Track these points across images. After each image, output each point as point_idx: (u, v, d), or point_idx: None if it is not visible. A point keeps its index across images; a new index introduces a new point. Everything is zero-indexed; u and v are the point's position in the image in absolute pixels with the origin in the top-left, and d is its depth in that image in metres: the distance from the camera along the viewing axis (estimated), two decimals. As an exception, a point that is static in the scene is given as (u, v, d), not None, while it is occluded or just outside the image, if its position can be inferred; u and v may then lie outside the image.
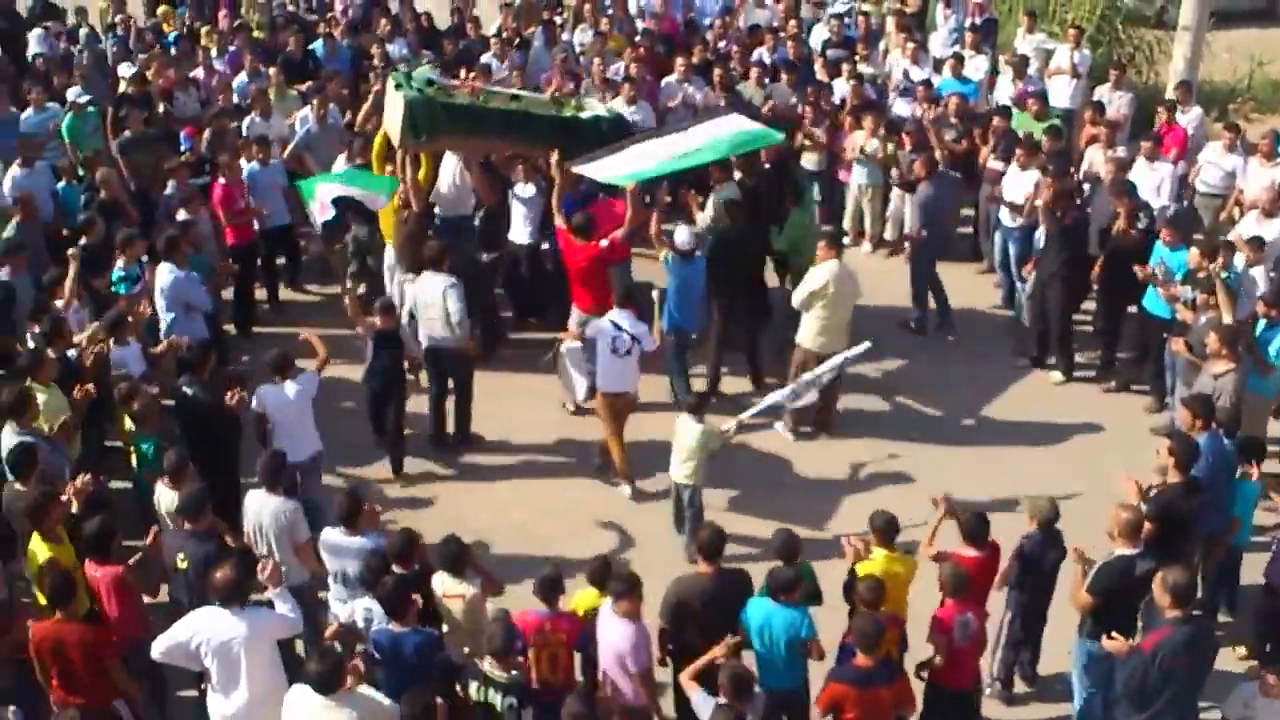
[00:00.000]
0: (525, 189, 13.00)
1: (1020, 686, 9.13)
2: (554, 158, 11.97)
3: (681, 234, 11.65)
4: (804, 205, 13.26)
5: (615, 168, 11.78)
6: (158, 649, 7.53)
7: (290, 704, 7.14)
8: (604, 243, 11.56)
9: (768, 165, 13.91)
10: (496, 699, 7.38)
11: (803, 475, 11.32)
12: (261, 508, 8.67)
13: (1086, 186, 13.85)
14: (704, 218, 12.68)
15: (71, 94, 14.73)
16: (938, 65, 16.85)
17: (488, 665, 7.42)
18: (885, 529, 8.35)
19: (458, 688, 7.74)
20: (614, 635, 7.64)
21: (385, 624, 7.65)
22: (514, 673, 7.42)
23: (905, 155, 14.47)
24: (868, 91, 15.64)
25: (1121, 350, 12.80)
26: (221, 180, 13.10)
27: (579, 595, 8.23)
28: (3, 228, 12.25)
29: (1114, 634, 7.75)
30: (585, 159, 11.90)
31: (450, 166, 12.91)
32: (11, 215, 12.41)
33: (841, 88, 15.79)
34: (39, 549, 8.22)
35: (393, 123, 12.10)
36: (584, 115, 12.62)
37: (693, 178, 13.27)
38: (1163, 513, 8.64)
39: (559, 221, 11.80)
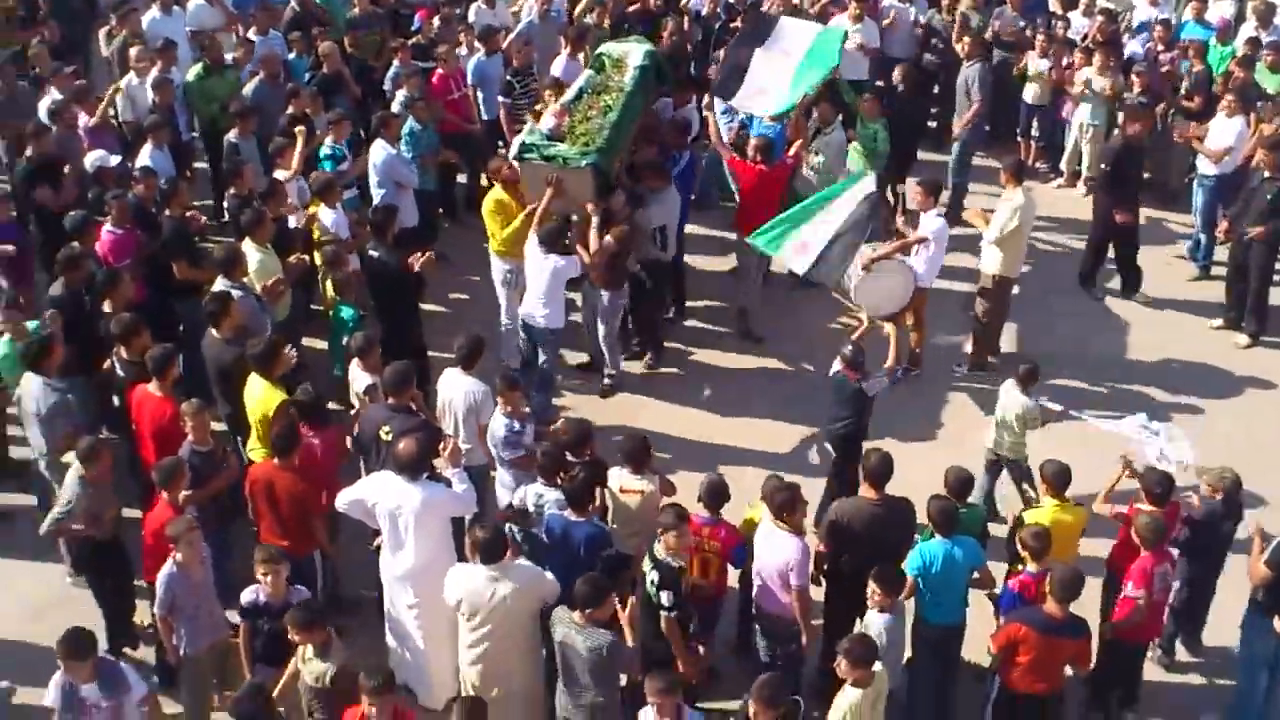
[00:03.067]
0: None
1: (1183, 655, 8.93)
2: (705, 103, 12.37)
3: None
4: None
5: (767, 98, 11.87)
6: (341, 501, 7.98)
7: (456, 577, 7.45)
8: (789, 160, 11.82)
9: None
10: (654, 575, 7.50)
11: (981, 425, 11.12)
12: (454, 385, 8.98)
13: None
14: (817, 160, 12.51)
15: None
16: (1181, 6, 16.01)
17: (659, 546, 7.53)
18: (1055, 478, 8.20)
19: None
20: (779, 550, 7.68)
21: (558, 510, 7.89)
22: (670, 557, 7.48)
23: (1133, 96, 13.89)
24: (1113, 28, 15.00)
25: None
26: (439, 70, 13.28)
27: (751, 510, 8.30)
28: (239, 89, 12.82)
29: (1287, 614, 7.51)
30: (724, 91, 12.05)
31: None
32: (252, 78, 12.98)
33: (1077, 20, 15.19)
34: (263, 392, 8.71)
35: (573, 194, 10.92)
36: (639, 63, 11.94)
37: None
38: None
39: (726, 153, 11.96)
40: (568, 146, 10.98)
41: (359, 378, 9.22)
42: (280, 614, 7.26)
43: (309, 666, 7.15)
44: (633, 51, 12.16)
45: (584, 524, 7.74)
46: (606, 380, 11.45)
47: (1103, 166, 12.82)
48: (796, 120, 12.08)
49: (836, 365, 9.58)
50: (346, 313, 10.05)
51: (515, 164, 11.10)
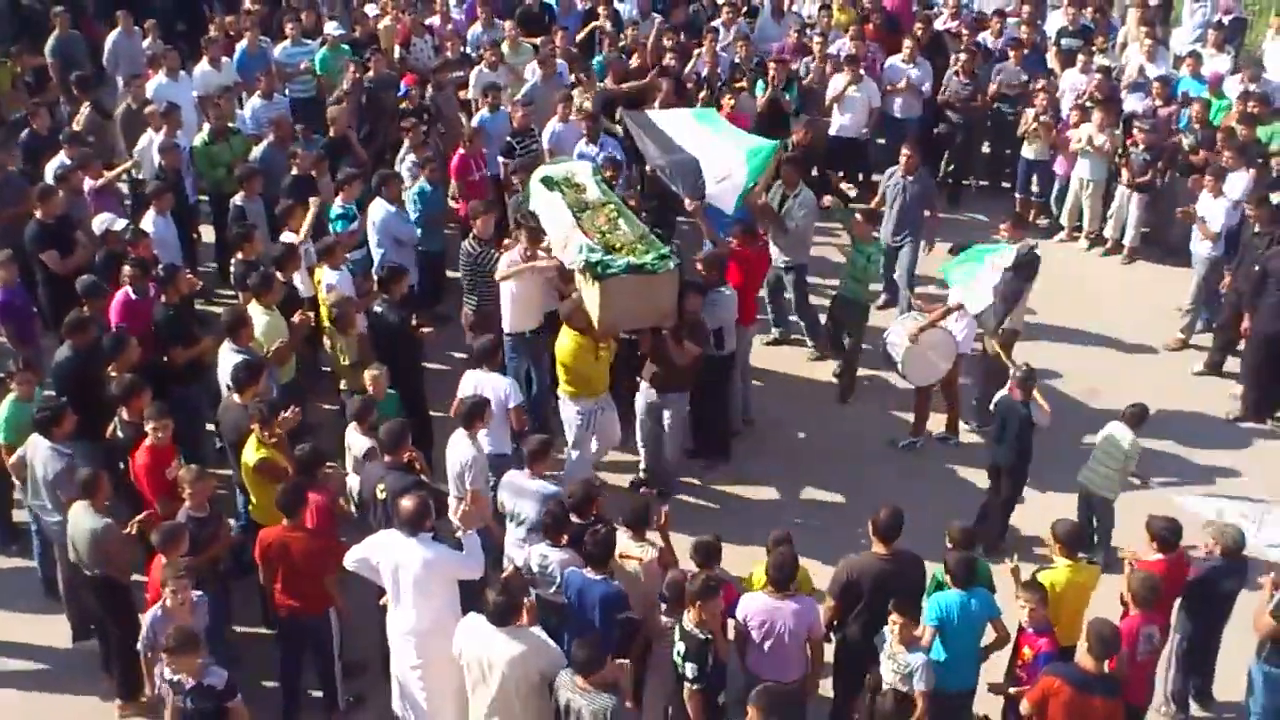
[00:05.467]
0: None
1: (1194, 709, 8.83)
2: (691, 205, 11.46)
3: None
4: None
5: (723, 185, 11.39)
6: (349, 560, 7.98)
7: (464, 630, 7.41)
8: (762, 239, 11.60)
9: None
10: (680, 646, 7.49)
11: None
12: (455, 447, 9.00)
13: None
14: (791, 224, 12.07)
15: (329, 28, 15.39)
16: (1177, 63, 16.18)
17: (688, 617, 7.48)
18: (1068, 538, 8.16)
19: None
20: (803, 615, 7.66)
21: (562, 571, 7.86)
22: (697, 629, 7.43)
23: (1138, 152, 14.05)
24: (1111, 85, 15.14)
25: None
26: (461, 150, 13.14)
27: (758, 570, 8.19)
28: (245, 154, 12.89)
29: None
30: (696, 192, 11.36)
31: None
32: (255, 143, 13.05)
33: (1073, 77, 15.36)
34: (251, 448, 8.75)
35: (656, 303, 10.30)
36: (595, 178, 11.39)
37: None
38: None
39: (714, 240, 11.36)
40: (631, 257, 10.25)
41: (357, 441, 9.20)
42: (198, 695, 7.05)
43: None
44: (578, 170, 11.62)
45: (600, 582, 7.69)
46: (642, 474, 10.98)
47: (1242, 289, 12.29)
48: (758, 200, 11.68)
49: (1001, 392, 9.88)
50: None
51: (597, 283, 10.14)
